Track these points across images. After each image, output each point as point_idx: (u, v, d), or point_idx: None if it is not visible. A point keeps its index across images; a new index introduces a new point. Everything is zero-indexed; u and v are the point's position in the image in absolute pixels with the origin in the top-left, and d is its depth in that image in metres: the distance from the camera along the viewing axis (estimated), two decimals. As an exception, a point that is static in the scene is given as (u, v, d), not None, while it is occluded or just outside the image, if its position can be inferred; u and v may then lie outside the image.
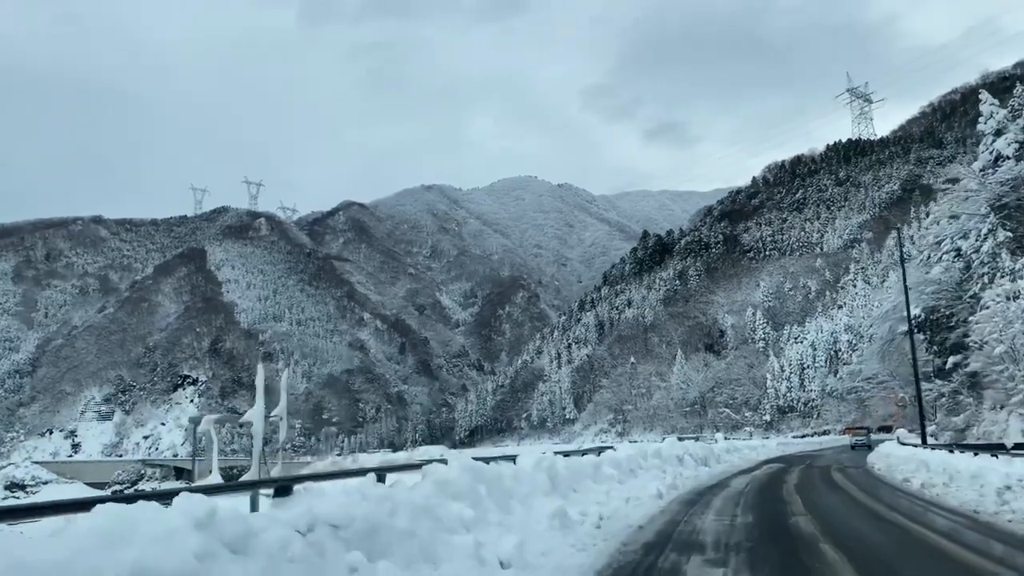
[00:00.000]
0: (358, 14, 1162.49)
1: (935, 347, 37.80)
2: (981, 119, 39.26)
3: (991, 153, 37.45)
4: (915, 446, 29.59)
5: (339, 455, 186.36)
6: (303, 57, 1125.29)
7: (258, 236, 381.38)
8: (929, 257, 39.73)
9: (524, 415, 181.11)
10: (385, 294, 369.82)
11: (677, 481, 21.67)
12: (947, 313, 35.80)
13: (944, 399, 35.52)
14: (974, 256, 34.91)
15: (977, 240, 35.14)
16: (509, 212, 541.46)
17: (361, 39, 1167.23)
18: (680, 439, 41.18)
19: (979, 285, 33.67)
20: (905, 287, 36.11)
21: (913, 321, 36.14)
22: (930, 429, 35.35)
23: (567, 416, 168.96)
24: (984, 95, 39.50)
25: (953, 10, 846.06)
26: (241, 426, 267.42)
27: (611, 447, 27.78)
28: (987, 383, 31.14)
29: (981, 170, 37.38)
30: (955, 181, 39.59)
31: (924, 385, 36.89)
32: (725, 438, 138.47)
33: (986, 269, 33.96)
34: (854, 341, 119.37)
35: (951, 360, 34.72)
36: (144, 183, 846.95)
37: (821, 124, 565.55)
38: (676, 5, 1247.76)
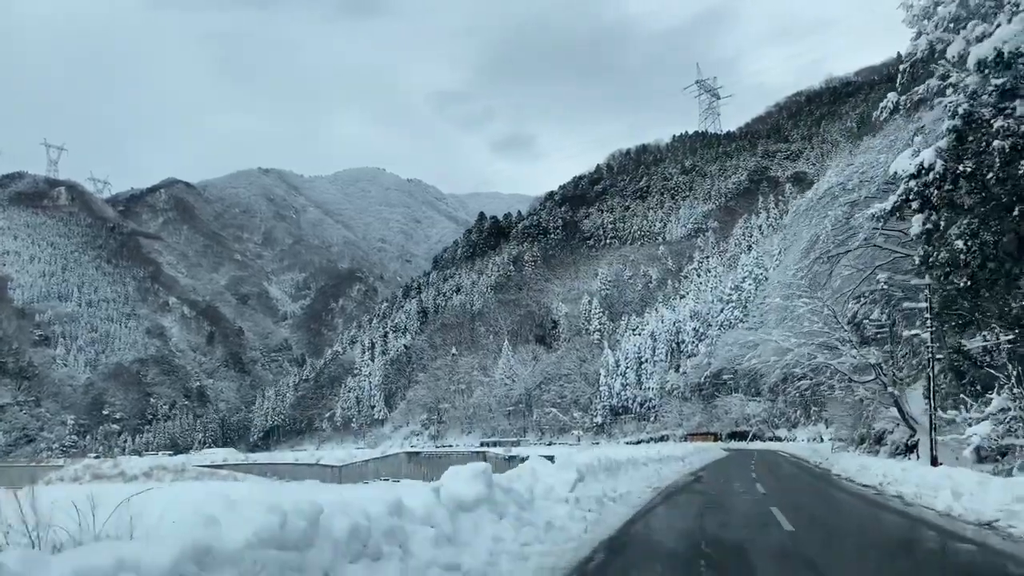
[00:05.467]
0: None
1: (942, 253, 17.49)
2: None
3: None
4: None
5: (96, 457, 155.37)
6: (145, 36, 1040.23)
7: (55, 206, 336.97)
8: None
9: (327, 415, 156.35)
10: (200, 279, 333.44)
11: None
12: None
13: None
14: None
15: None
16: (354, 204, 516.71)
17: (211, 25, 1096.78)
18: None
19: None
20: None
21: (902, 200, 16.67)
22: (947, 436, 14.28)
23: (376, 416, 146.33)
24: None
25: (790, 53, 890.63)
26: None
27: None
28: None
29: None
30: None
31: (907, 333, 17.34)
32: (549, 444, 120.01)
33: None
34: (700, 329, 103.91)
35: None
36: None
37: (669, 120, 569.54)
38: (537, 27, 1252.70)
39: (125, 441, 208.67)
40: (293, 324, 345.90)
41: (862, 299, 29.10)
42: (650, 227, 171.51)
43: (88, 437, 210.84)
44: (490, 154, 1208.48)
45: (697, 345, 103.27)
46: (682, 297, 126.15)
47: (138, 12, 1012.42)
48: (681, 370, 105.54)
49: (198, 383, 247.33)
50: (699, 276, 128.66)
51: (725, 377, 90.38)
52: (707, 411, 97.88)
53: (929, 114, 19.83)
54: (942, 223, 17.70)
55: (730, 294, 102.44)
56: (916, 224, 18.73)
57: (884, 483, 18.10)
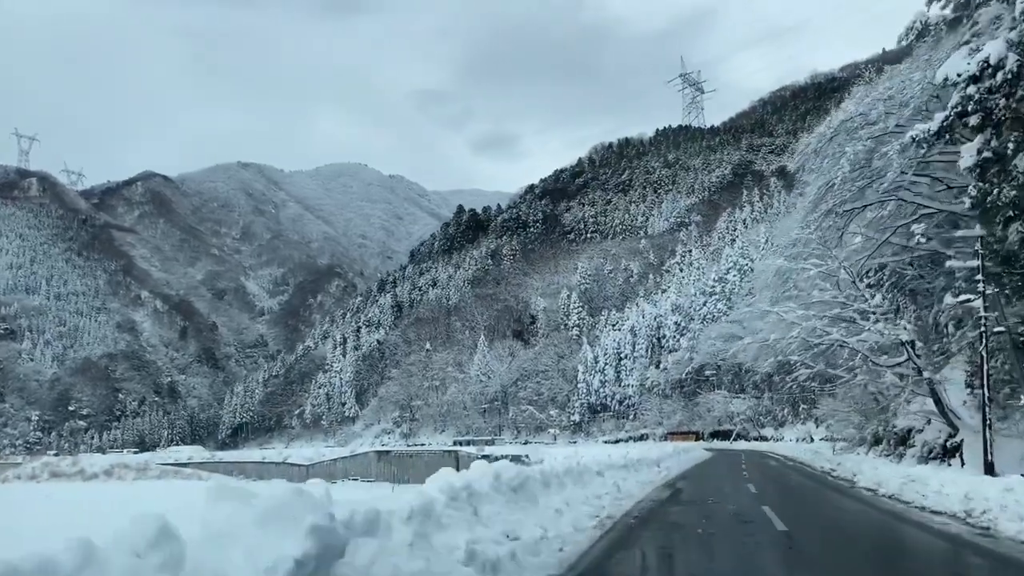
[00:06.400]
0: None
1: (1005, 190, 12.93)
2: None
3: None
4: None
5: (55, 455, 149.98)
6: (126, 29, 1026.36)
7: (25, 197, 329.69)
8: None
9: (297, 412, 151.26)
10: (175, 273, 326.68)
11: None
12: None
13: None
14: None
15: None
16: (335, 199, 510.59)
17: (193, 19, 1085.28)
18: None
19: None
20: None
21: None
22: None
23: (346, 413, 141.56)
24: None
25: (772, 55, 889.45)
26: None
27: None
28: None
29: None
30: None
31: (950, 300, 13.31)
32: (525, 443, 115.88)
33: None
34: (682, 324, 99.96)
35: None
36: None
37: (652, 119, 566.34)
38: (519, 27, 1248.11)
39: (92, 438, 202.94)
40: (270, 320, 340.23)
41: (866, 278, 25.01)
42: (632, 221, 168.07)
43: (53, 434, 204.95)
44: (473, 152, 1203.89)
45: (679, 340, 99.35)
46: (664, 291, 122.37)
47: (118, 5, 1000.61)
48: (662, 366, 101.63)
49: (169, 379, 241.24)
50: (681, 270, 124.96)
51: (708, 373, 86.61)
52: (688, 409, 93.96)
53: (987, 10, 15.43)
54: (1010, 147, 13.20)
55: (713, 286, 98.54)
56: (968, 155, 14.12)
57: (979, 512, 11.33)
